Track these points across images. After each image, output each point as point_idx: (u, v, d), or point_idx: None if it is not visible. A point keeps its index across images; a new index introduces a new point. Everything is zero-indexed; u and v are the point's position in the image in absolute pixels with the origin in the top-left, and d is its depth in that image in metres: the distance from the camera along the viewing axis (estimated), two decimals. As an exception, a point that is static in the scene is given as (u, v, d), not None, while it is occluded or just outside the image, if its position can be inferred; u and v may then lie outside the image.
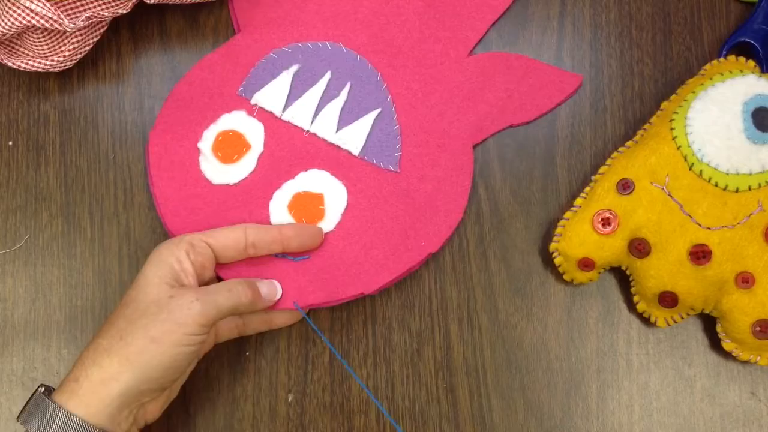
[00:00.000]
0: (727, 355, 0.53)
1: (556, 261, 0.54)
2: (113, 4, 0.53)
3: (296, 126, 0.55)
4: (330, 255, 0.53)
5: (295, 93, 0.56)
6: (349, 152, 0.55)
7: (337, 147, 0.55)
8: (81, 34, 0.54)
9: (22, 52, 0.54)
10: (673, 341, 0.55)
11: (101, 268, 0.56)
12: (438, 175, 0.54)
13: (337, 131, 0.55)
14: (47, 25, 0.51)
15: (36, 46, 0.53)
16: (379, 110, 0.55)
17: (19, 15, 0.50)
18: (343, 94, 0.56)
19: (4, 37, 0.52)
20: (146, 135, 0.57)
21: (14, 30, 0.51)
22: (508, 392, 0.55)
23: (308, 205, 0.54)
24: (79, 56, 0.55)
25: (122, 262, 0.56)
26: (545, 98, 0.57)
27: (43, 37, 0.53)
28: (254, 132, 0.55)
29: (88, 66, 0.58)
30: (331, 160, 0.55)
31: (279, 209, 0.54)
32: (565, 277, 0.54)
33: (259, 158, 0.55)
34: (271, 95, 0.56)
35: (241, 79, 0.56)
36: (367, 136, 0.55)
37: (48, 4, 0.50)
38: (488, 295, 0.56)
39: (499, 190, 0.57)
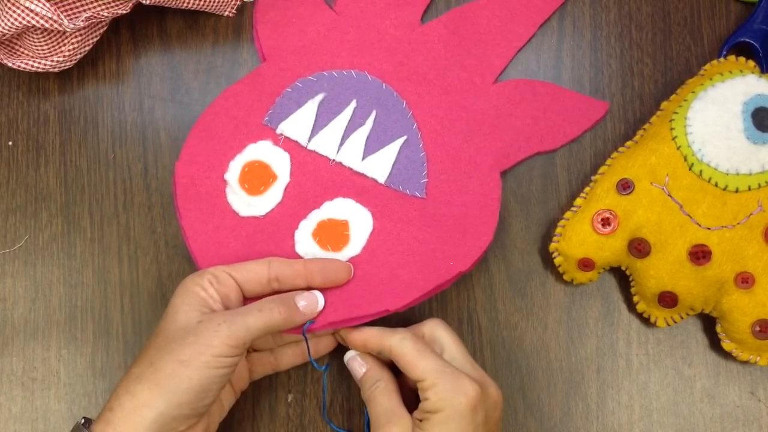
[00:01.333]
0: (726, 355, 0.53)
1: (556, 261, 0.54)
2: (113, 4, 0.53)
3: (322, 155, 0.55)
4: (355, 277, 0.52)
5: (320, 122, 0.56)
6: (375, 180, 0.54)
7: (363, 175, 0.54)
8: (81, 35, 0.54)
9: (22, 53, 0.54)
10: (672, 341, 0.55)
11: (101, 268, 0.56)
12: (465, 200, 0.54)
13: (362, 160, 0.55)
14: (47, 25, 0.51)
15: (36, 46, 0.53)
16: (405, 138, 0.55)
17: (19, 15, 0.50)
18: (369, 123, 0.55)
19: (4, 38, 0.52)
20: (146, 135, 0.58)
21: (14, 30, 0.51)
22: (508, 392, 0.55)
23: (333, 232, 0.53)
24: (78, 56, 0.55)
25: (122, 262, 0.56)
26: (572, 125, 0.57)
27: (43, 37, 0.53)
28: (280, 162, 0.55)
29: (87, 66, 0.58)
30: (357, 188, 0.54)
31: (304, 237, 0.53)
32: (565, 277, 0.54)
33: (285, 189, 0.54)
34: (297, 124, 0.55)
35: (267, 109, 0.56)
36: (393, 164, 0.55)
37: (47, 5, 0.50)
38: (488, 295, 0.56)
39: None
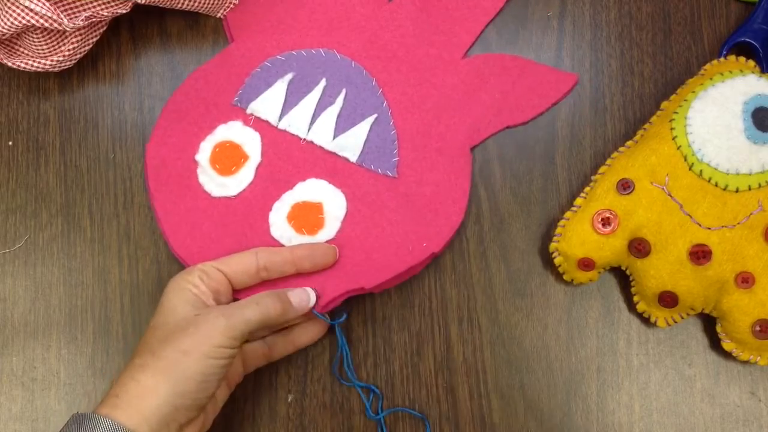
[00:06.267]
0: (727, 355, 0.53)
1: (556, 261, 0.54)
2: (113, 3, 0.54)
3: (293, 134, 0.55)
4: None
5: (290, 101, 0.56)
6: (346, 159, 0.55)
7: (335, 154, 0.55)
8: (80, 34, 0.54)
9: (22, 52, 0.55)
10: (673, 341, 0.55)
11: (101, 268, 0.56)
12: (436, 178, 0.54)
13: (333, 138, 0.55)
14: (47, 24, 0.51)
15: (36, 45, 0.54)
16: (375, 116, 0.55)
17: (19, 15, 0.50)
18: (339, 101, 0.56)
19: (4, 37, 0.52)
20: (146, 135, 0.58)
21: (14, 30, 0.51)
22: (508, 392, 0.55)
23: (307, 215, 0.54)
24: (78, 56, 0.55)
25: (122, 262, 0.56)
26: (541, 98, 0.57)
27: (43, 36, 0.53)
28: (251, 142, 0.55)
29: (87, 66, 0.59)
30: (329, 167, 0.55)
31: (279, 220, 0.54)
32: (565, 277, 0.54)
33: (257, 169, 0.55)
34: (267, 104, 0.56)
35: (236, 89, 0.56)
36: (364, 143, 0.55)
37: (47, 4, 0.50)
38: (488, 295, 0.56)
39: (499, 190, 0.57)
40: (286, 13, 0.58)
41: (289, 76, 0.56)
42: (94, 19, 0.53)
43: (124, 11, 0.54)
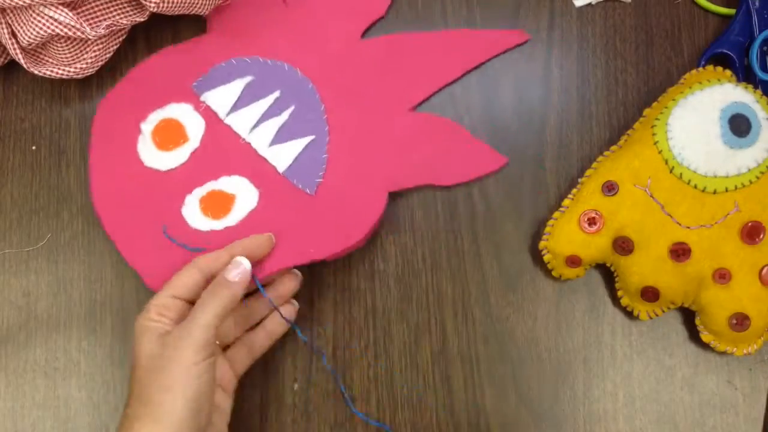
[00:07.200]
0: (705, 346, 0.54)
1: (545, 258, 0.54)
2: (131, 12, 0.54)
3: (235, 132, 0.56)
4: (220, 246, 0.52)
5: (242, 101, 0.56)
6: (274, 168, 0.55)
7: (265, 160, 0.55)
8: (102, 43, 0.55)
9: (47, 61, 0.55)
10: (654, 333, 0.56)
11: (119, 265, 0.57)
12: (347, 210, 0.54)
13: (269, 146, 0.55)
14: (70, 33, 0.51)
15: (60, 54, 0.54)
16: (313, 137, 0.56)
17: (44, 24, 0.51)
18: (285, 115, 0.56)
19: (30, 46, 0.53)
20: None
21: (39, 39, 0.52)
22: (500, 381, 0.55)
23: (218, 202, 0.54)
24: (101, 63, 0.56)
25: (138, 259, 0.56)
26: (467, 170, 0.57)
27: (67, 45, 0.54)
28: (195, 127, 0.56)
29: (106, 74, 0.59)
30: (256, 170, 0.55)
31: (192, 201, 0.54)
32: (553, 273, 0.55)
33: (192, 153, 0.55)
34: (220, 97, 0.56)
35: (198, 75, 0.57)
36: (295, 158, 0.55)
37: (71, 14, 0.51)
38: (482, 291, 0.56)
39: (491, 191, 0.57)
40: (265, 20, 0.58)
41: (248, 78, 0.57)
42: (114, 28, 0.54)
43: (142, 19, 0.55)
